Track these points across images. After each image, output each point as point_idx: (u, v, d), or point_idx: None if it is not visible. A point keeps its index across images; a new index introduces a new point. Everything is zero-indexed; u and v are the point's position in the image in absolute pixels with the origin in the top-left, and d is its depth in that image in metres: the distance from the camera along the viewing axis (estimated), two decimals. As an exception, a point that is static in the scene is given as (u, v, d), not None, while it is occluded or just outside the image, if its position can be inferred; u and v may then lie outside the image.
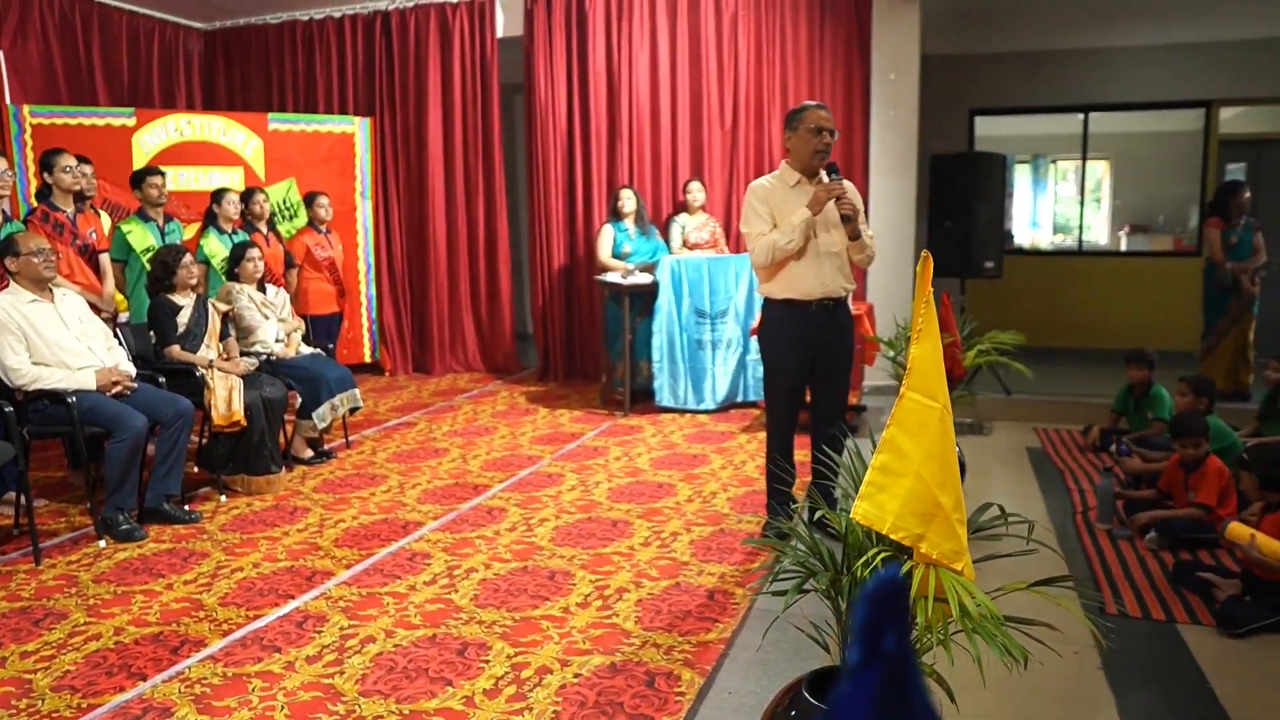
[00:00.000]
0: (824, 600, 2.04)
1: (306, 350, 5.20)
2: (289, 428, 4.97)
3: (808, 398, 3.75)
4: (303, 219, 6.44)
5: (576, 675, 2.67)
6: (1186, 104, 8.27)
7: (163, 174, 5.35)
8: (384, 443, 5.45)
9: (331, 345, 5.82)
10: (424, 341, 7.79)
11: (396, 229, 7.70)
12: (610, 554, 3.64)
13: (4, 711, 2.51)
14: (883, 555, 1.86)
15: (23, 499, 3.78)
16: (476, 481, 4.66)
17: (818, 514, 2.27)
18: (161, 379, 4.29)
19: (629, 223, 6.40)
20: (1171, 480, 3.96)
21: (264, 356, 4.87)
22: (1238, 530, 3.13)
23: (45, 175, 4.78)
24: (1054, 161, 9.77)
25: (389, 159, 7.64)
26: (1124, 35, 7.87)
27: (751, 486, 4.49)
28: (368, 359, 7.46)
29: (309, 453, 5.03)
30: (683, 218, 6.53)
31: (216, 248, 5.39)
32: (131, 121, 6.42)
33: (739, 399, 6.18)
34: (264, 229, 5.70)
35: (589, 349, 7.27)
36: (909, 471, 1.81)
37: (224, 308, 4.80)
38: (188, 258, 4.58)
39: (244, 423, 4.36)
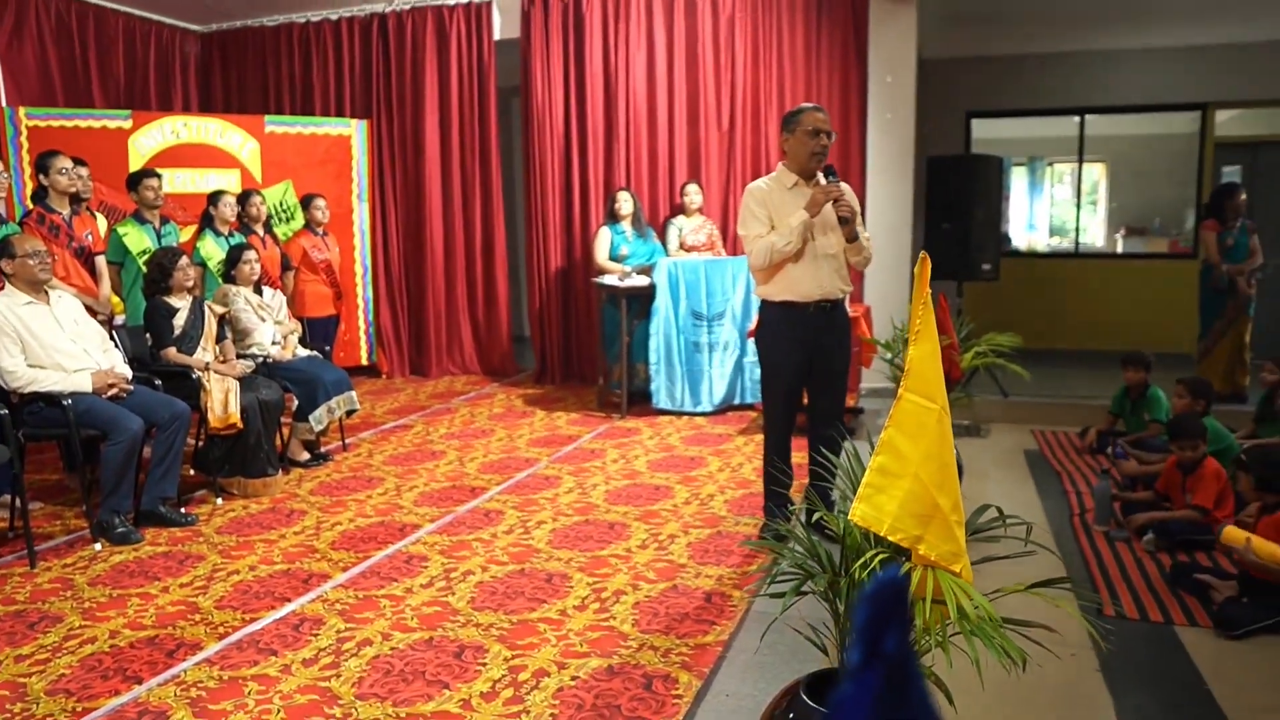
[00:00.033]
0: (822, 602, 2.03)
1: (303, 353, 5.19)
2: (285, 430, 4.96)
3: (805, 400, 3.75)
4: (299, 221, 6.43)
5: (574, 678, 2.66)
6: (1182, 106, 8.30)
7: (159, 176, 5.34)
8: (381, 445, 5.45)
9: (328, 348, 5.81)
10: (421, 344, 7.78)
11: (393, 231, 7.70)
12: (607, 556, 3.63)
13: (-2, 715, 2.50)
14: (881, 557, 1.85)
15: (18, 501, 3.76)
16: (473, 484, 4.65)
17: (815, 516, 2.26)
18: (158, 381, 4.28)
19: (626, 225, 6.40)
20: (1169, 482, 3.97)
21: (260, 359, 4.86)
22: (1233, 534, 3.13)
23: (41, 177, 4.77)
24: (1050, 164, 9.78)
25: (386, 161, 7.64)
26: (1120, 38, 7.89)
27: (749, 489, 4.48)
28: (365, 361, 7.45)
29: (305, 455, 5.02)
30: (680, 220, 6.54)
31: (213, 250, 5.38)
32: (128, 124, 6.41)
33: (736, 401, 6.18)
34: (261, 231, 5.70)
35: (586, 351, 7.26)
36: (907, 473, 1.80)
37: (220, 310, 4.79)
38: (184, 260, 4.58)
39: (240, 425, 4.35)
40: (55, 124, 6.13)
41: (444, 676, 2.68)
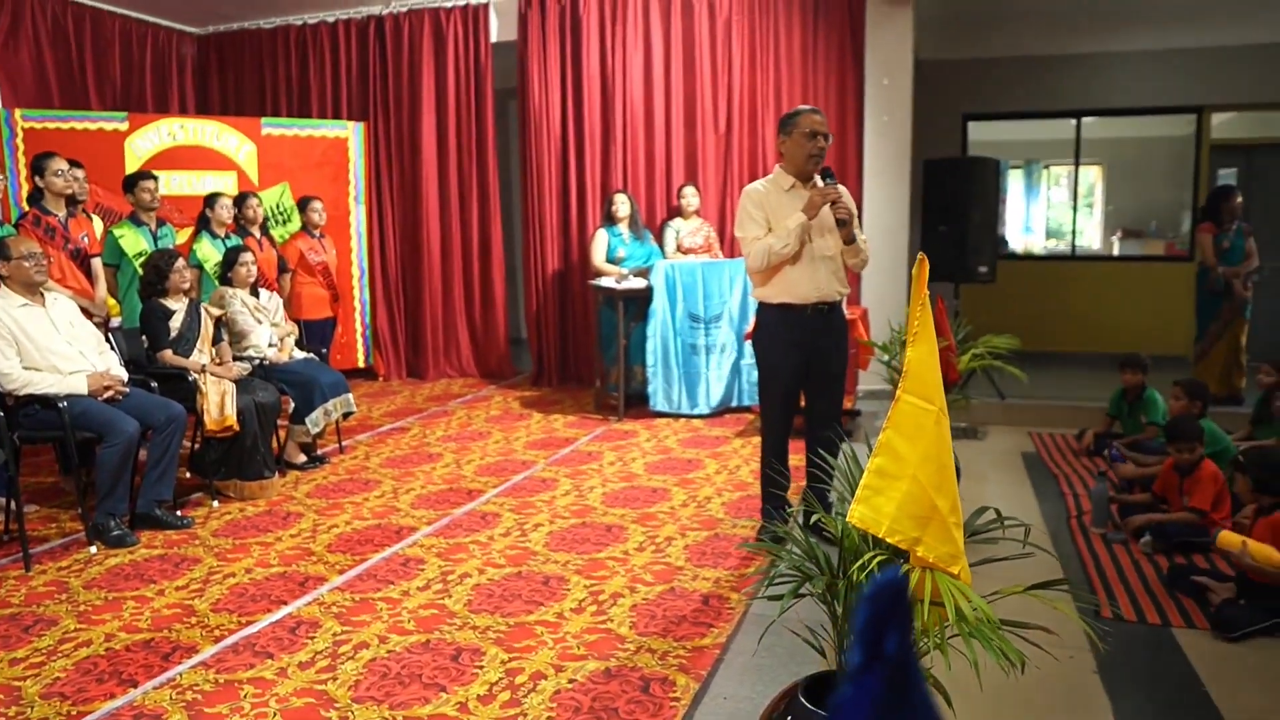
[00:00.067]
0: (820, 604, 2.03)
1: (300, 355, 5.18)
2: (282, 433, 4.95)
3: (802, 402, 3.75)
4: (296, 223, 6.42)
5: (571, 681, 2.66)
6: (1178, 109, 8.31)
7: (155, 178, 5.33)
8: (377, 448, 5.43)
9: (325, 350, 5.80)
10: (418, 346, 7.77)
11: (390, 234, 7.69)
12: (605, 559, 3.62)
13: (-7, 719, 2.49)
14: (879, 559, 1.85)
15: (13, 504, 3.75)
16: (470, 487, 4.64)
17: (813, 518, 2.26)
18: (154, 384, 4.28)
19: (623, 227, 6.40)
20: (1166, 484, 3.97)
21: (257, 361, 4.85)
22: (1229, 539, 3.14)
23: (37, 179, 4.76)
24: (1047, 167, 9.80)
25: (383, 164, 7.63)
26: (1116, 41, 7.91)
27: (746, 491, 4.48)
28: (361, 364, 7.44)
29: (302, 458, 5.00)
30: (677, 222, 6.54)
31: (209, 252, 5.37)
32: (124, 126, 6.40)
33: (733, 403, 6.18)
34: (257, 233, 5.69)
35: (583, 354, 7.26)
36: (905, 475, 1.80)
37: (217, 312, 4.78)
38: (180, 262, 4.57)
39: (236, 428, 4.34)
40: (51, 126, 6.12)
41: (441, 679, 2.67)
